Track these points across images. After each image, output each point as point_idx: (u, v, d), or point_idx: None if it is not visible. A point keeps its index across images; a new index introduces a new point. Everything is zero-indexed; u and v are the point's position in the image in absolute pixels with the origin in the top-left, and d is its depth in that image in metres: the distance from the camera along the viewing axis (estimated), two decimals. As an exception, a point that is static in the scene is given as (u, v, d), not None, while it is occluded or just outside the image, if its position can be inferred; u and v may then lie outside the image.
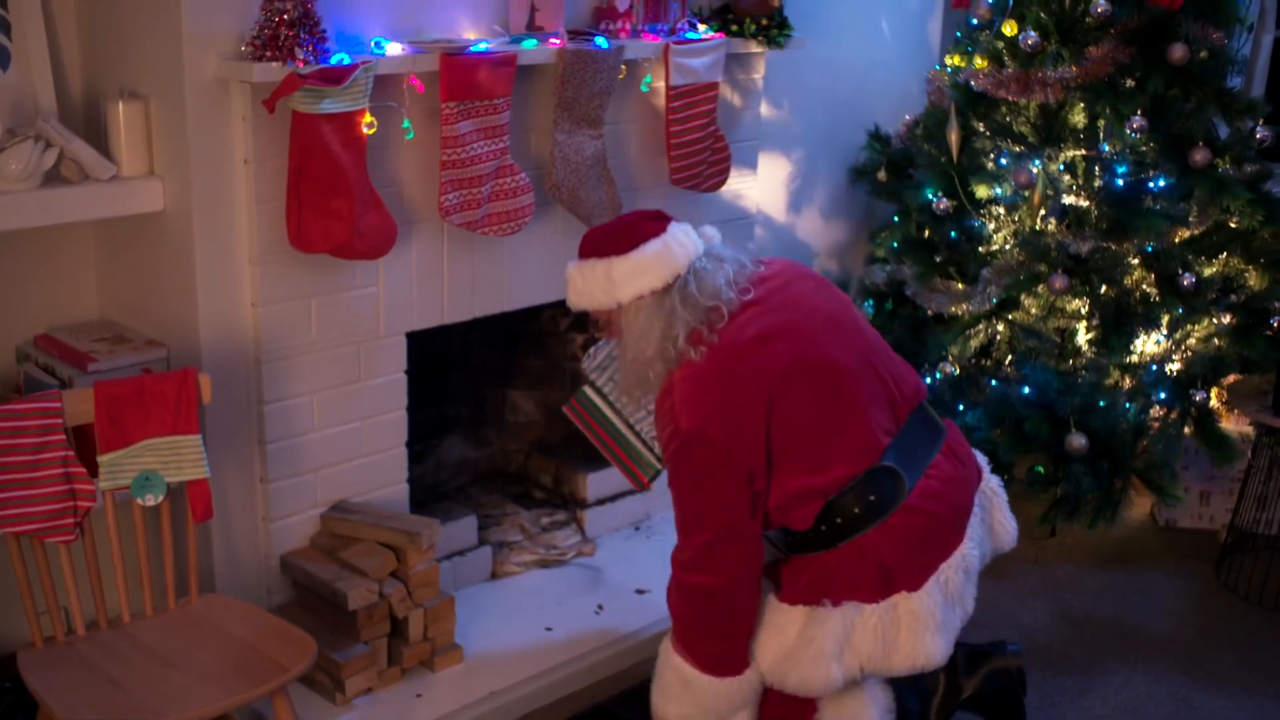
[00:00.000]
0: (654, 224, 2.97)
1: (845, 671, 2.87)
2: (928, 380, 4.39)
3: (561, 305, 4.17)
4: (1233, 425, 4.43)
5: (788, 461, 2.83)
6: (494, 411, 4.42)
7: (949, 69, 4.57)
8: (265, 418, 3.36)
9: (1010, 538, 3.19)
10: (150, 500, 2.86)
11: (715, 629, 2.91)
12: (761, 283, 2.97)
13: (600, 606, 3.83)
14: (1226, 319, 4.35)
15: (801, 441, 2.83)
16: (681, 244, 2.95)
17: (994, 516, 3.16)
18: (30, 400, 2.78)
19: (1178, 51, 4.08)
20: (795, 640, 2.87)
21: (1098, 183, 4.25)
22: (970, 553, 2.95)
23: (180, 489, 2.94)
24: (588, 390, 3.36)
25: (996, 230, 4.41)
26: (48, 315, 3.41)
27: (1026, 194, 4.27)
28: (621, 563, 4.09)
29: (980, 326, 4.37)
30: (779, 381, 2.82)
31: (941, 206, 4.47)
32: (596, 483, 4.26)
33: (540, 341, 4.37)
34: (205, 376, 2.94)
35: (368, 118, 3.21)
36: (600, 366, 3.31)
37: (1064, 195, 4.29)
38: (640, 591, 3.90)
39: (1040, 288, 4.23)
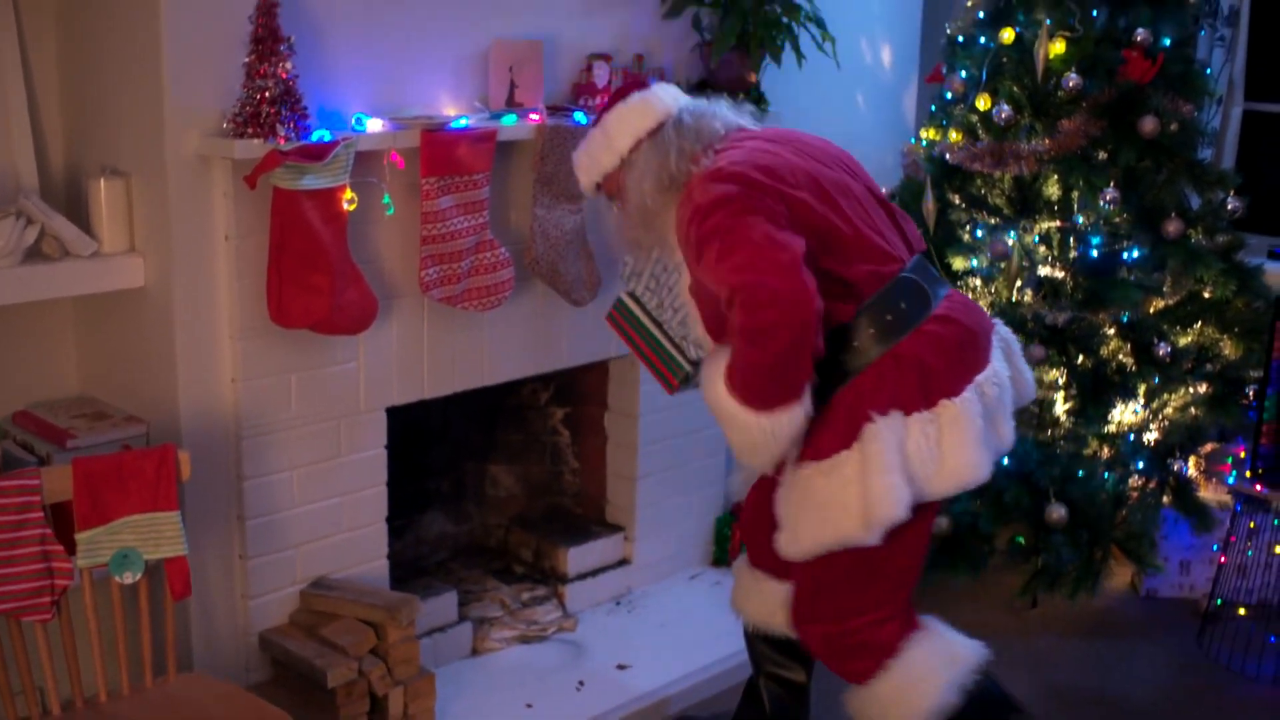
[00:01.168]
0: (636, 86, 3.08)
1: (910, 485, 2.78)
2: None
3: (542, 379, 4.18)
4: (1211, 494, 4.44)
5: (813, 250, 2.78)
6: (474, 486, 4.41)
7: (924, 142, 4.62)
8: (245, 493, 3.34)
9: (1029, 388, 3.14)
10: (128, 578, 2.83)
11: (776, 371, 2.75)
12: (760, 128, 3.09)
13: (581, 683, 3.80)
14: (1202, 388, 4.37)
15: (822, 237, 2.81)
16: (667, 90, 3.06)
17: (1013, 364, 3.08)
18: (8, 478, 2.76)
19: (1149, 124, 4.13)
20: (857, 471, 2.80)
21: (1073, 254, 4.29)
22: (1001, 370, 2.95)
23: (158, 566, 2.92)
24: (624, 297, 3.35)
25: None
26: (27, 392, 3.39)
27: (1002, 265, 4.31)
28: (603, 638, 4.07)
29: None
30: (793, 178, 2.82)
31: (918, 278, 4.49)
32: (577, 557, 4.24)
33: (521, 415, 4.37)
34: (185, 452, 2.93)
35: (348, 193, 3.22)
36: (635, 273, 3.33)
37: (1039, 266, 4.32)
38: (621, 667, 3.88)
39: (1018, 358, 4.25)
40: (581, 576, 4.25)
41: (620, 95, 3.06)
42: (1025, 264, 4.30)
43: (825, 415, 2.86)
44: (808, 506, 2.87)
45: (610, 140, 3.02)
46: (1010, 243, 4.26)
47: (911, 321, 2.85)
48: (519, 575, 4.31)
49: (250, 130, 3.07)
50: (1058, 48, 4.20)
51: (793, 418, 2.77)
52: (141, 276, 3.21)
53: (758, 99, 4.09)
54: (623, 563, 4.35)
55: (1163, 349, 4.23)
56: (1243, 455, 4.35)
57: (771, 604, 3.26)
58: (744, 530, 3.37)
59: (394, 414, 3.65)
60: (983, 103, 4.32)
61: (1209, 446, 4.50)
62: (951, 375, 2.85)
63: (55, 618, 2.77)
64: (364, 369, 3.52)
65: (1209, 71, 4.65)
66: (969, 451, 2.81)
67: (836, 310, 2.82)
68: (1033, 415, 4.34)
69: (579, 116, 3.69)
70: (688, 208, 2.82)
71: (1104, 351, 4.29)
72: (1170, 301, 4.37)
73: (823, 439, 2.85)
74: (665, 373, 3.33)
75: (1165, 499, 4.34)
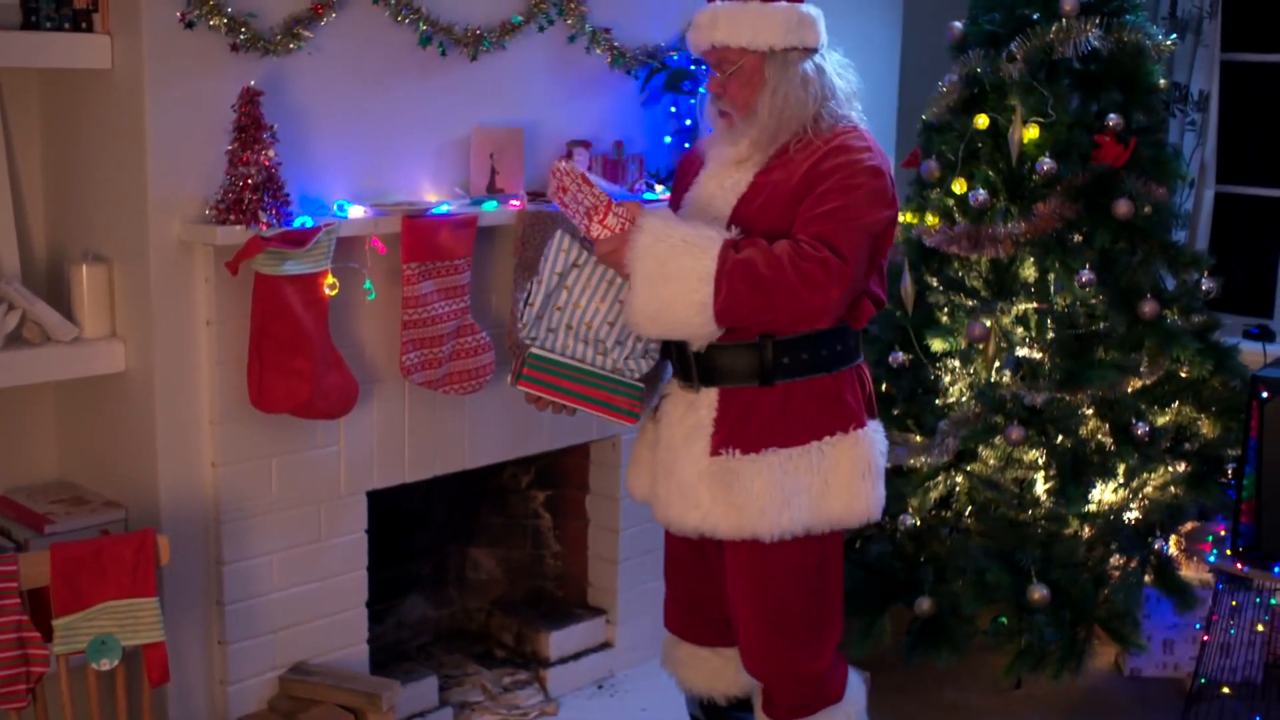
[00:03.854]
0: None
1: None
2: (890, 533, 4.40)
3: (523, 463, 4.18)
4: (1192, 573, 4.44)
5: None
6: (455, 570, 4.39)
7: (901, 225, 4.66)
8: (224, 578, 3.33)
9: None
10: (105, 665, 2.81)
11: (765, 314, 2.79)
12: None
13: (564, 767, 3.77)
14: (1181, 467, 4.39)
15: (880, 260, 2.94)
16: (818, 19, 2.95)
17: None
18: (-15, 564, 2.75)
19: (1123, 207, 4.18)
20: (872, 448, 2.97)
21: (1050, 335, 4.32)
22: None
23: (136, 652, 2.90)
24: (535, 351, 2.94)
25: (952, 383, 4.47)
26: (5, 476, 3.39)
27: (981, 347, 4.34)
28: (585, 722, 4.04)
29: (939, 478, 4.40)
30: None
31: (898, 360, 4.52)
32: (559, 641, 4.22)
33: (502, 499, 4.37)
34: (164, 538, 2.92)
35: (330, 279, 3.25)
36: (536, 317, 2.93)
37: (1017, 348, 4.35)
38: (604, 751, 3.85)
39: (997, 439, 4.27)
40: (563, 660, 4.22)
41: None
42: (1003, 345, 4.33)
43: (827, 395, 2.94)
44: (813, 481, 2.91)
45: (769, 28, 2.85)
46: (988, 324, 4.29)
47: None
48: (500, 659, 4.28)
49: (233, 216, 3.10)
50: (1031, 133, 4.25)
51: (704, 334, 2.83)
52: (122, 361, 3.22)
53: (736, 183, 4.13)
54: (605, 646, 4.33)
55: (1141, 428, 4.25)
56: (1223, 533, 4.36)
57: (715, 669, 3.25)
58: (680, 610, 3.28)
59: (375, 498, 3.64)
60: (959, 187, 4.37)
61: (1189, 525, 4.51)
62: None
63: (30, 705, 2.75)
64: (345, 453, 3.52)
65: (1181, 155, 4.71)
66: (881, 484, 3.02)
67: (862, 312, 2.95)
68: (1013, 495, 4.35)
69: (559, 201, 3.72)
70: (849, 153, 2.83)
71: (1083, 431, 4.31)
72: (1148, 381, 4.40)
73: (836, 414, 2.94)
74: (620, 402, 2.96)
75: (1147, 578, 4.34)
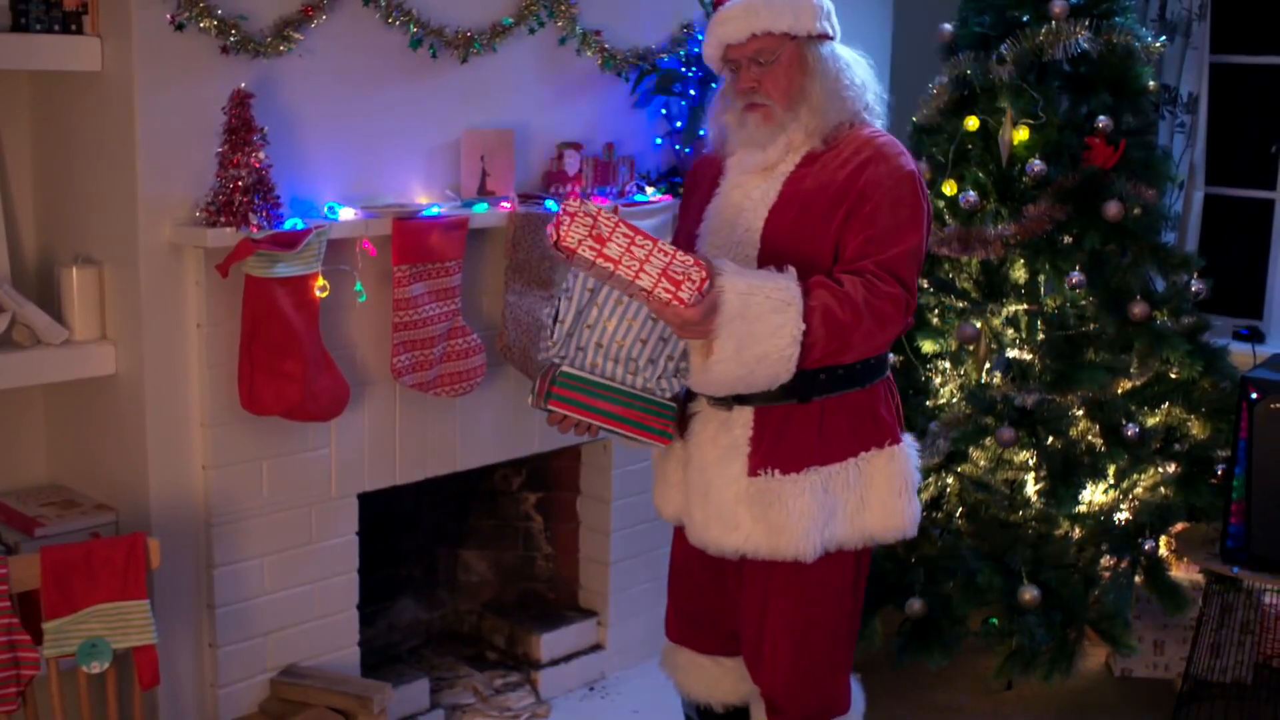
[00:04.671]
0: None
1: None
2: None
3: (514, 465, 4.18)
4: (1183, 573, 4.45)
5: None
6: (446, 572, 4.39)
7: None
8: (215, 581, 3.33)
9: None
10: (96, 668, 2.81)
11: (853, 349, 2.71)
12: None
13: (555, 770, 3.77)
14: (1171, 468, 4.40)
15: None
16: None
17: None
18: (-25, 567, 2.75)
19: (1112, 209, 4.19)
20: (908, 473, 2.91)
21: (1040, 336, 4.33)
22: None
23: (127, 655, 2.90)
24: (566, 369, 2.76)
25: (943, 384, 4.47)
26: (-5, 480, 3.39)
27: (971, 348, 4.34)
28: (576, 724, 4.04)
29: (930, 479, 4.41)
30: None
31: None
32: (550, 643, 4.22)
33: (493, 501, 4.37)
34: (155, 541, 2.92)
35: (320, 281, 3.25)
36: (566, 335, 2.76)
37: (1008, 349, 4.36)
38: (596, 753, 3.85)
39: (988, 440, 4.27)
40: (555, 662, 4.22)
41: None
42: (994, 347, 4.33)
43: (860, 409, 2.87)
44: (850, 497, 2.85)
45: (806, 14, 2.78)
46: (979, 326, 4.30)
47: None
48: (492, 662, 4.28)
49: (223, 219, 3.09)
50: (1021, 135, 4.26)
51: (776, 384, 2.68)
52: (113, 364, 3.22)
53: (727, 186, 4.13)
54: (596, 648, 4.33)
55: (1131, 430, 4.26)
56: (1213, 534, 4.37)
57: (715, 678, 3.18)
58: (683, 621, 3.18)
59: (366, 500, 3.64)
60: (949, 189, 4.38)
61: (1179, 526, 4.52)
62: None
63: (20, 709, 2.75)
64: (336, 455, 3.52)
65: (1170, 157, 4.72)
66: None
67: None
68: (1004, 496, 4.36)
69: (550, 204, 3.73)
70: (886, 161, 2.76)
71: (1073, 433, 4.32)
72: (1137, 383, 4.41)
73: (871, 429, 2.88)
74: (652, 422, 2.80)
75: (1137, 579, 4.34)
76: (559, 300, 2.78)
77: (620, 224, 2.51)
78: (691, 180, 3.08)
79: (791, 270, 2.63)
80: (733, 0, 2.82)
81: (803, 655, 2.92)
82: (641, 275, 2.49)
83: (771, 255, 2.73)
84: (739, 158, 2.87)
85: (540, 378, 2.80)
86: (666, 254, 2.50)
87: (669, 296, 2.50)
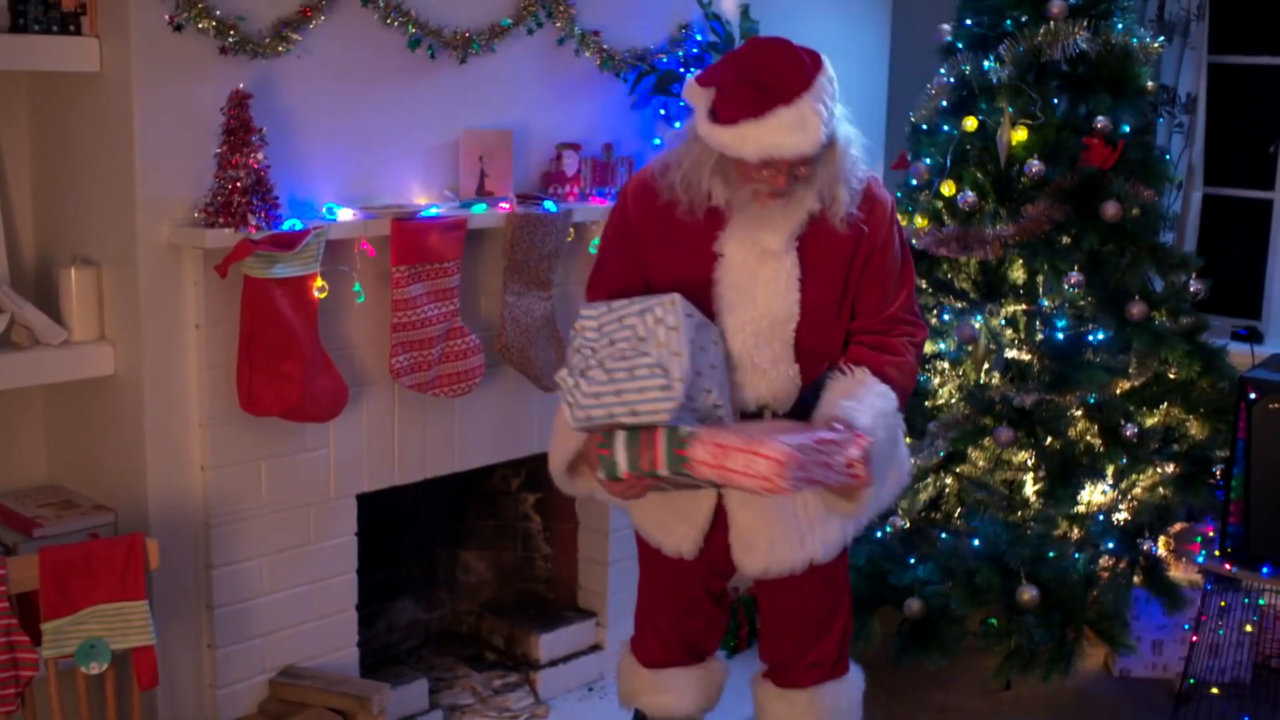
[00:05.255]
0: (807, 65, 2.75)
1: None
2: (878, 534, 4.41)
3: (513, 465, 4.18)
4: (1181, 573, 4.45)
5: None
6: (445, 572, 4.39)
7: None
8: (213, 582, 3.33)
9: None
10: (95, 669, 2.81)
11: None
12: None
13: (554, 770, 3.77)
14: (1170, 468, 4.40)
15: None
16: None
17: None
18: (-26, 568, 2.75)
19: (1111, 209, 4.19)
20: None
21: (1039, 337, 4.33)
22: None
23: (125, 656, 2.90)
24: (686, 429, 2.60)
25: (942, 385, 4.47)
26: (-6, 481, 3.39)
27: (970, 349, 4.35)
28: (575, 725, 4.04)
29: (929, 480, 4.41)
30: None
31: (887, 362, 4.52)
32: (549, 643, 4.22)
33: (492, 501, 4.37)
34: (153, 541, 2.92)
35: (319, 282, 3.25)
36: (688, 398, 2.61)
37: (1006, 349, 4.36)
38: (595, 754, 3.85)
39: (986, 440, 4.27)
40: (554, 663, 4.22)
41: (818, 67, 2.73)
42: (992, 347, 4.33)
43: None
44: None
45: (824, 121, 2.69)
46: (977, 326, 4.30)
47: None
48: (491, 662, 4.28)
49: (221, 220, 3.09)
50: (1020, 135, 4.27)
51: None
52: (111, 365, 3.22)
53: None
54: (595, 648, 4.33)
55: (1130, 430, 4.26)
56: (1211, 534, 4.38)
57: (705, 683, 3.25)
58: (662, 645, 3.19)
59: (364, 501, 3.64)
60: (947, 189, 4.38)
61: (1178, 526, 4.52)
62: None
63: (19, 709, 2.75)
64: (334, 456, 3.52)
65: (1168, 157, 4.73)
66: None
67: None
68: (1002, 497, 4.36)
69: (549, 205, 3.73)
70: (883, 206, 2.90)
71: (1072, 433, 4.32)
72: (1136, 383, 4.41)
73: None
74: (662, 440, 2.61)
75: (1136, 579, 4.35)
76: (667, 364, 2.59)
77: (813, 446, 2.60)
78: (637, 216, 2.91)
79: (864, 369, 2.85)
80: (780, 108, 2.65)
81: (820, 631, 3.16)
82: (829, 472, 2.62)
83: (811, 317, 2.85)
84: (750, 229, 2.81)
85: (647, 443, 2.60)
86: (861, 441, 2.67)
87: (862, 477, 2.69)
